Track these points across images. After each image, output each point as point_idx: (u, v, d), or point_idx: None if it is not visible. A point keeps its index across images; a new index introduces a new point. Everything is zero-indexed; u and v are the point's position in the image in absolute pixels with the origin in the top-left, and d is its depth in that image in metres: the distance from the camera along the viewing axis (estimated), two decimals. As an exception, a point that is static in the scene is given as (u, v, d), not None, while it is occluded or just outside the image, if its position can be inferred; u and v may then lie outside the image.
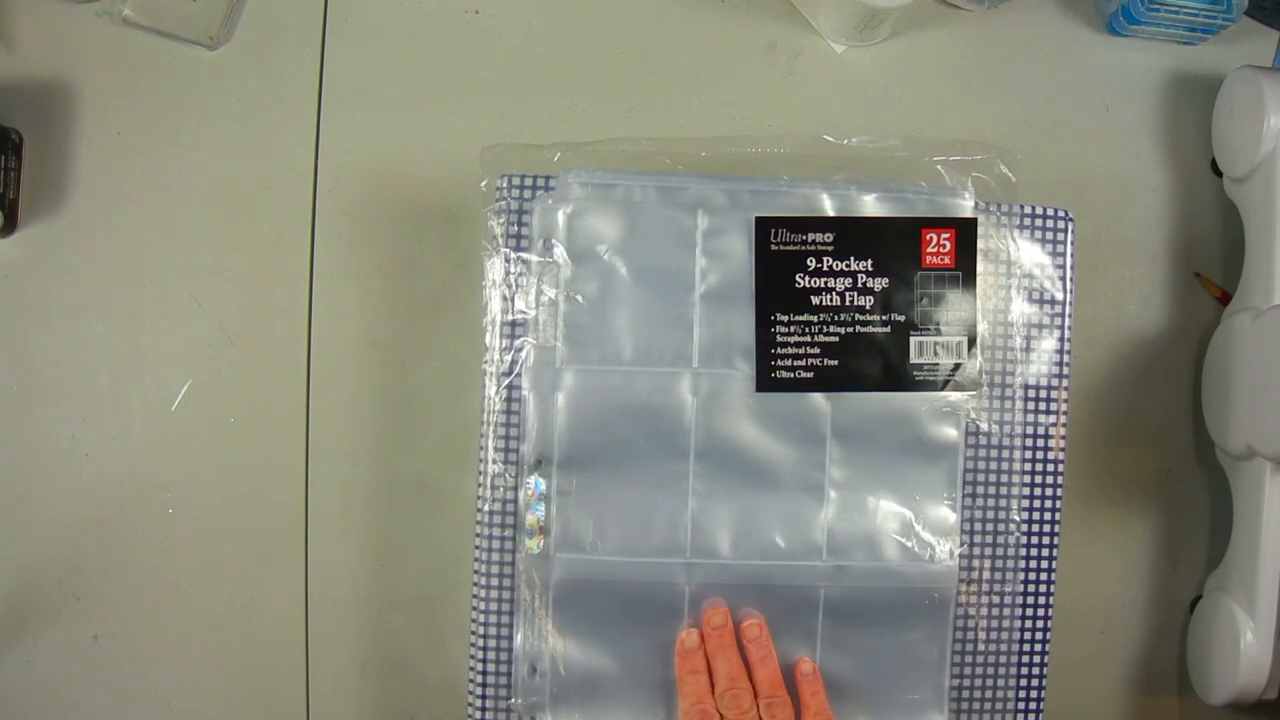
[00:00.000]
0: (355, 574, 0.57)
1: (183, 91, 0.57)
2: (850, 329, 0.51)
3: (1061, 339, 0.53)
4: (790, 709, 0.48)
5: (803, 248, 0.51)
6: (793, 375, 0.51)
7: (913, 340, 0.51)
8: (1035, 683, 0.53)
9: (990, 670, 0.53)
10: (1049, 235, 0.53)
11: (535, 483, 0.51)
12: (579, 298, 0.51)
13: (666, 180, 0.51)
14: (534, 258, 0.51)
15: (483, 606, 0.51)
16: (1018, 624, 0.53)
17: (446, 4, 0.59)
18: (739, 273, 0.51)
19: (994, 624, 0.52)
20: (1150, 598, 0.60)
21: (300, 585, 0.57)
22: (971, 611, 0.52)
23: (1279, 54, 0.62)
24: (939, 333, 0.51)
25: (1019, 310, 0.53)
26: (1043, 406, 0.53)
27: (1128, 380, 0.60)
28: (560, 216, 0.51)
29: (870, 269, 0.51)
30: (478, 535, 0.51)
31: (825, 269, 0.51)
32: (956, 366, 0.51)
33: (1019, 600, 0.53)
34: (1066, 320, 0.53)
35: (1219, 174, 0.60)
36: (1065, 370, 0.53)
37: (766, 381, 0.51)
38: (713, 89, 0.59)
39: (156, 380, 0.56)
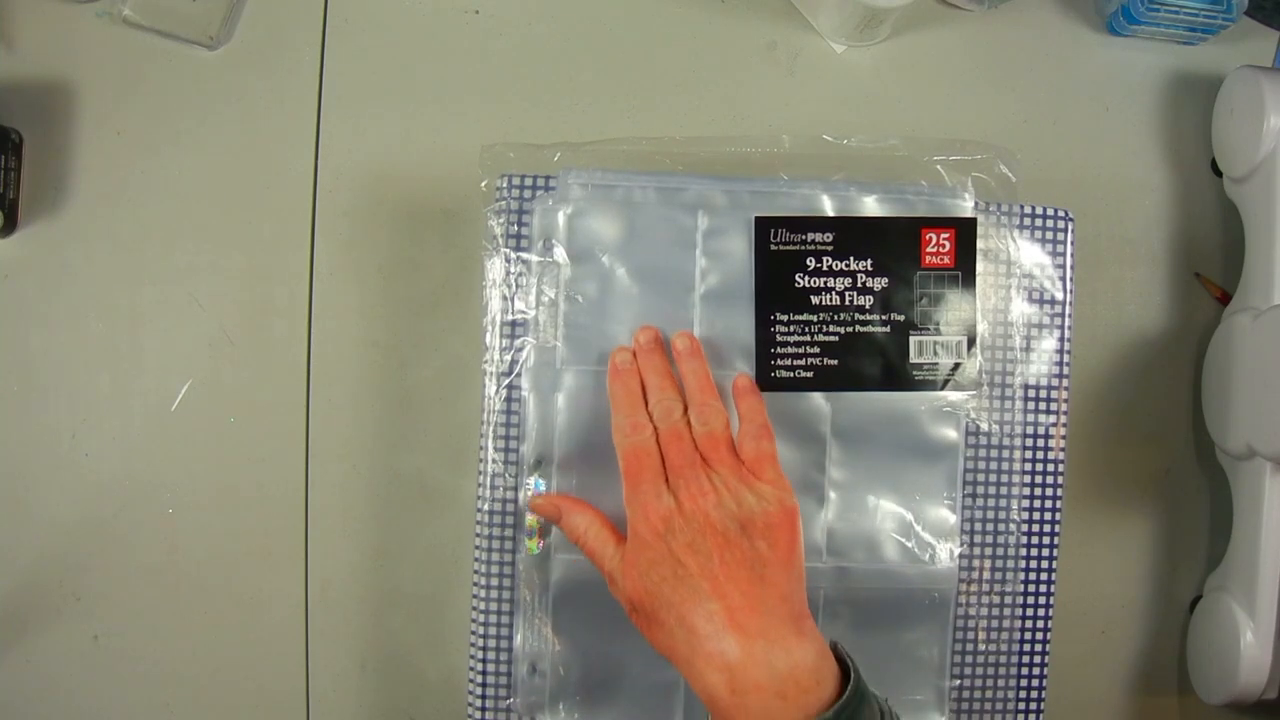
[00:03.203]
0: (355, 574, 0.57)
1: (183, 91, 0.57)
2: (850, 329, 0.51)
3: (1061, 339, 0.53)
4: (723, 416, 0.47)
5: (802, 248, 0.51)
6: (792, 375, 0.51)
7: (912, 340, 0.51)
8: (1035, 683, 0.53)
9: (990, 670, 0.53)
10: (1049, 235, 0.53)
11: (535, 483, 0.51)
12: (579, 298, 0.51)
13: (666, 180, 0.51)
14: (534, 258, 0.51)
15: (483, 606, 0.51)
16: (1018, 624, 0.53)
17: (446, 4, 0.59)
18: (739, 273, 0.51)
19: (994, 624, 0.52)
20: (1150, 598, 0.60)
21: (300, 585, 0.57)
22: (971, 611, 0.52)
23: (1279, 54, 0.62)
24: (939, 332, 0.51)
25: (1019, 310, 0.53)
26: (1043, 406, 0.53)
27: (1128, 380, 0.60)
28: (560, 217, 0.51)
29: (870, 269, 0.51)
30: (478, 535, 0.51)
31: (825, 269, 0.51)
32: (956, 366, 0.51)
33: (1019, 600, 0.53)
34: (1066, 320, 0.53)
35: (1219, 174, 0.60)
36: (1065, 370, 0.53)
37: (766, 381, 0.51)
38: (713, 89, 0.59)
39: (156, 380, 0.56)
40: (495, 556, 0.51)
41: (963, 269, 0.52)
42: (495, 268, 0.51)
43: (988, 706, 0.53)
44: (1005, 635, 0.53)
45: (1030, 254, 0.53)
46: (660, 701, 0.51)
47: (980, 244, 0.52)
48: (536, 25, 0.59)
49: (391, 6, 0.58)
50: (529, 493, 0.51)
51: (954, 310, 0.51)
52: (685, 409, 0.48)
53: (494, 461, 0.51)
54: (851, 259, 0.51)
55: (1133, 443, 0.60)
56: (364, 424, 0.57)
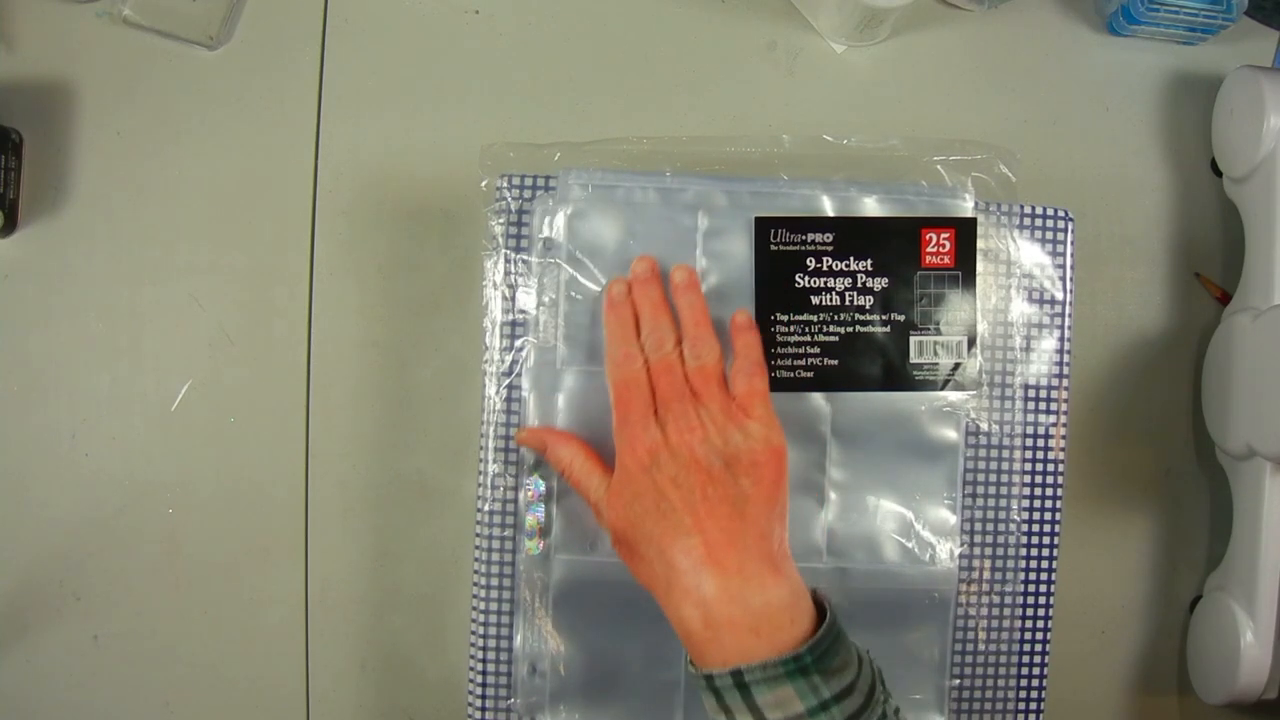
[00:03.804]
0: (355, 574, 0.57)
1: (183, 91, 0.57)
2: (850, 329, 0.51)
3: (1061, 339, 0.53)
4: (716, 350, 0.47)
5: (802, 248, 0.51)
6: (793, 375, 0.51)
7: (913, 340, 0.51)
8: (1035, 683, 0.53)
9: (990, 670, 0.53)
10: (1049, 235, 0.53)
11: (535, 483, 0.51)
12: (579, 298, 0.51)
13: (667, 181, 0.51)
14: (534, 258, 0.51)
15: (483, 606, 0.51)
16: (1018, 624, 0.53)
17: (446, 4, 0.59)
18: (739, 273, 0.51)
19: (994, 624, 0.52)
20: (1150, 598, 0.60)
21: (300, 585, 0.57)
22: (971, 611, 0.52)
23: (1279, 54, 0.62)
24: (939, 332, 0.51)
25: (1019, 310, 0.53)
26: (1043, 406, 0.53)
27: (1128, 380, 0.60)
28: (560, 217, 0.51)
29: (870, 269, 0.51)
30: (478, 535, 0.51)
31: (825, 269, 0.51)
32: (956, 366, 0.51)
33: (1019, 600, 0.53)
34: (1066, 320, 0.53)
35: (1219, 174, 0.60)
36: (1065, 370, 0.53)
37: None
38: (713, 89, 0.59)
39: (156, 380, 0.56)
40: (495, 556, 0.51)
41: (963, 269, 0.52)
42: (495, 268, 0.51)
43: (988, 706, 0.53)
44: (1005, 635, 0.53)
45: (1030, 254, 0.53)
46: (660, 701, 0.51)
47: (980, 244, 0.52)
48: (536, 25, 0.59)
49: (391, 6, 0.58)
50: (529, 493, 0.51)
51: (954, 310, 0.51)
52: (679, 342, 0.47)
53: (494, 462, 0.51)
54: (851, 259, 0.51)
55: (1133, 443, 0.60)
56: (364, 424, 0.57)
